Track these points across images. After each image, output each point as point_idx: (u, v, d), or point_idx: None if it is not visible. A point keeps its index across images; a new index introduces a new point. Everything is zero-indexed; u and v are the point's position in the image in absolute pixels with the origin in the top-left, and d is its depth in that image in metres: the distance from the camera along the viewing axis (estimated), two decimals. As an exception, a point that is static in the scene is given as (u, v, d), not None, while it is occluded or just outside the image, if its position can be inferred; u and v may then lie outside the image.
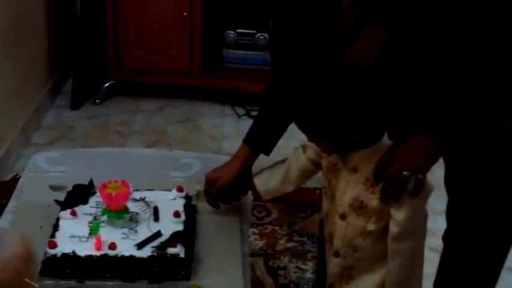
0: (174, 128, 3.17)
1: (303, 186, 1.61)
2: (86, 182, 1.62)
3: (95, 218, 1.49)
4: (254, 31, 3.29)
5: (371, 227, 1.38)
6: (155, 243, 1.40)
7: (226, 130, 3.16)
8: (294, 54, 1.53)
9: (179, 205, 1.54)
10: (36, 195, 1.66)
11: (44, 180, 1.72)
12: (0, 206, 1.83)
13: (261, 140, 1.60)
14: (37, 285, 0.77)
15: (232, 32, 3.30)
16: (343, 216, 1.41)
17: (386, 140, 1.38)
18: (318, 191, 1.95)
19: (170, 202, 1.55)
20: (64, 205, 1.54)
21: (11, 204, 1.65)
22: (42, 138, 3.03)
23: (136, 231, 1.45)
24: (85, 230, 1.45)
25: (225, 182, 1.58)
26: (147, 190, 1.59)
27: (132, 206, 1.51)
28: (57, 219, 1.49)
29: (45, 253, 1.37)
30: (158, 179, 1.72)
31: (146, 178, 1.68)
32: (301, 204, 2.54)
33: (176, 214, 1.49)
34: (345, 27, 1.37)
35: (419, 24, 1.28)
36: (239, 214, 1.65)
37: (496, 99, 1.30)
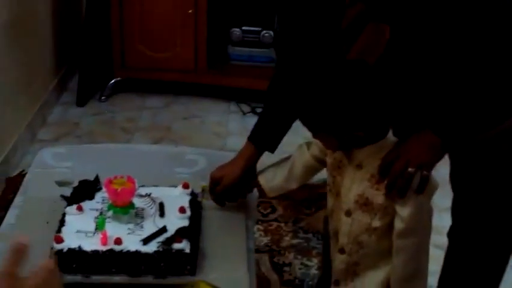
0: (179, 125, 3.18)
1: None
2: (92, 178, 1.63)
3: (101, 213, 1.50)
4: (259, 28, 3.29)
5: (376, 223, 1.38)
6: (161, 238, 1.41)
7: (231, 127, 3.16)
8: (298, 51, 1.54)
9: (185, 201, 1.54)
10: (42, 191, 1.67)
11: (50, 176, 1.72)
12: (6, 201, 1.84)
13: (265, 138, 1.60)
14: None
15: (238, 29, 3.30)
16: (348, 213, 1.41)
17: (391, 136, 1.38)
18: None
19: (175, 198, 1.55)
20: (70, 200, 1.54)
21: (18, 200, 1.66)
22: (48, 135, 3.04)
23: (141, 227, 1.45)
24: (91, 225, 1.45)
25: (230, 180, 1.58)
26: (153, 186, 1.60)
27: (138, 202, 1.51)
28: (64, 215, 1.49)
29: (52, 248, 1.38)
30: (164, 175, 1.72)
31: (152, 174, 1.69)
32: (306, 201, 2.54)
33: (182, 210, 1.50)
34: (347, 24, 1.37)
35: (423, 19, 1.28)
36: (244, 210, 1.65)
37: (501, 95, 1.30)
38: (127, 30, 3.26)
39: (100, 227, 1.43)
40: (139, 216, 1.49)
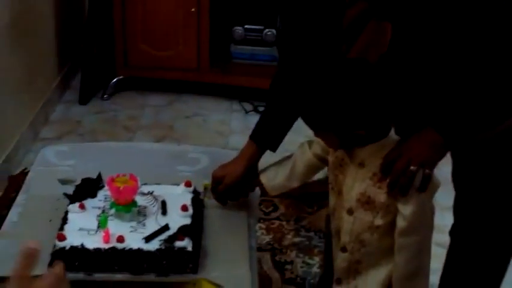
0: (182, 124, 3.18)
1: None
2: (94, 176, 1.63)
3: (103, 211, 1.50)
4: (262, 27, 3.29)
5: (379, 221, 1.38)
6: (163, 236, 1.41)
7: (234, 126, 3.16)
8: (300, 50, 1.54)
9: (187, 199, 1.54)
10: (45, 189, 1.67)
11: (52, 174, 1.73)
12: (9, 199, 1.84)
13: (267, 137, 1.61)
14: None
15: (240, 27, 3.30)
16: (350, 211, 1.41)
17: (393, 135, 1.38)
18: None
19: (178, 196, 1.55)
20: (73, 198, 1.54)
21: (20, 198, 1.66)
22: (51, 133, 3.04)
23: (144, 225, 1.45)
24: (93, 223, 1.45)
25: (232, 179, 1.59)
26: (155, 184, 1.60)
27: (140, 200, 1.51)
28: (66, 213, 1.49)
29: (54, 246, 1.38)
30: (166, 173, 1.72)
31: (154, 172, 1.69)
32: (307, 196, 2.54)
33: (184, 208, 1.50)
34: (348, 23, 1.37)
35: (426, 17, 1.28)
36: (246, 208, 1.65)
37: (504, 93, 1.30)
38: (129, 28, 3.26)
39: (102, 225, 1.43)
40: (141, 214, 1.49)
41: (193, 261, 1.39)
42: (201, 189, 1.64)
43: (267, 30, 3.28)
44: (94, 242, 1.39)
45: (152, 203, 1.52)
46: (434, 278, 1.66)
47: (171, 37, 3.27)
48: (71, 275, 1.35)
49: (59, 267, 0.82)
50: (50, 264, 1.36)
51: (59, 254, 1.37)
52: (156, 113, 3.28)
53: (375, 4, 1.33)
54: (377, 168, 1.36)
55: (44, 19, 3.13)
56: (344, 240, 1.45)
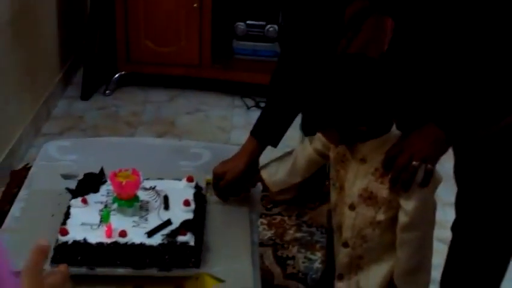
0: (183, 119, 3.18)
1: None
2: (97, 171, 1.63)
3: (105, 206, 1.50)
4: (264, 23, 3.29)
5: (381, 217, 1.38)
6: (166, 231, 1.41)
7: (236, 121, 3.16)
8: (302, 45, 1.54)
9: (189, 194, 1.55)
10: (47, 184, 1.67)
11: (55, 169, 1.73)
12: (11, 194, 1.84)
13: (268, 132, 1.61)
14: None
15: (242, 23, 3.30)
16: (352, 207, 1.41)
17: (394, 130, 1.38)
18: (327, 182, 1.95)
19: (180, 191, 1.56)
20: (75, 193, 1.55)
21: (23, 193, 1.67)
22: (53, 129, 3.05)
23: (146, 220, 1.46)
24: (95, 218, 1.46)
25: (233, 175, 1.59)
26: (157, 179, 1.60)
27: (142, 195, 1.52)
28: (69, 207, 1.50)
29: (57, 240, 1.38)
30: (168, 168, 1.72)
31: (156, 167, 1.69)
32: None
33: (186, 203, 1.50)
34: (348, 19, 1.37)
35: (428, 12, 1.28)
36: (248, 203, 1.66)
37: (506, 89, 1.30)
38: (131, 24, 3.26)
39: (104, 219, 1.43)
40: (143, 209, 1.49)
41: (195, 255, 1.40)
42: (203, 184, 1.64)
43: (269, 26, 3.28)
44: (97, 236, 1.39)
45: (155, 198, 1.53)
46: (436, 273, 1.66)
47: (173, 33, 3.27)
48: (74, 269, 1.36)
49: (64, 267, 0.87)
50: (53, 259, 1.36)
51: (61, 249, 1.37)
52: (158, 108, 3.28)
53: (376, 1, 1.33)
54: (378, 164, 1.36)
55: (46, 14, 3.13)
56: (345, 236, 1.45)
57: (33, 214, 1.57)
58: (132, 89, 3.43)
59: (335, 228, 1.51)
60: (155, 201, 1.52)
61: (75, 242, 1.38)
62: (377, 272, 1.44)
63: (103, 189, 1.57)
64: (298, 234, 2.38)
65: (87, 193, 1.54)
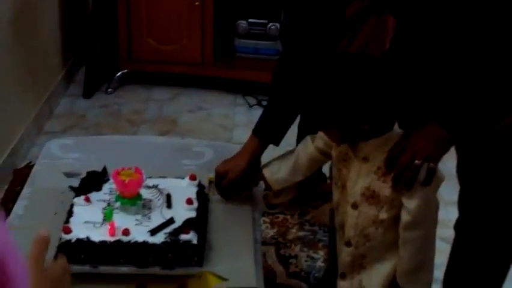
0: (185, 117, 3.18)
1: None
2: (99, 169, 1.63)
3: (108, 204, 1.50)
4: (266, 21, 3.28)
5: (383, 216, 1.38)
6: (169, 229, 1.41)
7: (238, 120, 3.16)
8: (303, 44, 1.54)
9: (192, 192, 1.55)
10: (50, 182, 1.68)
11: (58, 167, 1.73)
12: (14, 192, 1.85)
13: (269, 131, 1.61)
14: None
15: (244, 21, 3.30)
16: (355, 206, 1.41)
17: (396, 129, 1.38)
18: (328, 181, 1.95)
19: (183, 189, 1.56)
20: (78, 191, 1.55)
21: (26, 191, 1.67)
22: (55, 127, 3.05)
23: (149, 218, 1.46)
24: (98, 216, 1.46)
25: (235, 174, 1.59)
26: (160, 177, 1.60)
27: (145, 193, 1.52)
28: (72, 206, 1.50)
29: (60, 238, 1.39)
30: (171, 166, 1.72)
31: (159, 166, 1.69)
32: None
33: (189, 201, 1.50)
34: (349, 18, 1.37)
35: (429, 11, 1.27)
36: (251, 202, 1.66)
37: (508, 87, 1.30)
38: (133, 22, 3.26)
39: (107, 218, 1.43)
40: (146, 207, 1.49)
41: (198, 254, 1.40)
42: (205, 182, 1.64)
43: (270, 24, 3.28)
44: (100, 234, 1.39)
45: (157, 196, 1.53)
46: (439, 273, 1.66)
47: (175, 31, 3.27)
48: (77, 268, 1.36)
49: (63, 259, 0.87)
50: (56, 257, 1.36)
51: (65, 247, 1.37)
52: (160, 107, 3.28)
53: (376, 1, 1.33)
54: (381, 163, 1.36)
55: (48, 13, 3.13)
56: (348, 235, 1.45)
57: (36, 212, 1.57)
58: (134, 87, 3.43)
59: (338, 227, 1.51)
60: (158, 200, 1.52)
61: (78, 240, 1.38)
62: (380, 271, 1.44)
63: (106, 187, 1.57)
64: (301, 233, 2.38)
65: (90, 191, 1.54)
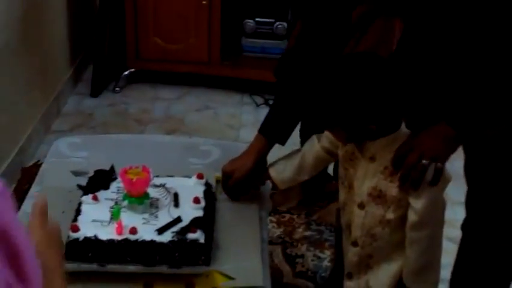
0: (193, 117, 3.19)
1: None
2: (107, 168, 1.64)
3: (116, 203, 1.51)
4: (273, 20, 3.28)
5: (390, 215, 1.38)
6: (176, 228, 1.42)
7: (245, 119, 3.16)
8: (311, 43, 1.54)
9: (199, 191, 1.55)
10: (58, 181, 1.68)
11: (65, 166, 1.74)
12: (22, 191, 1.85)
13: (276, 130, 1.61)
14: None
15: (251, 20, 3.30)
16: (361, 206, 1.41)
17: (403, 128, 1.38)
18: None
19: (190, 188, 1.56)
20: (86, 190, 1.56)
21: (34, 190, 1.68)
22: (63, 126, 3.06)
23: (156, 217, 1.46)
24: (106, 215, 1.46)
25: (242, 174, 1.59)
26: (167, 176, 1.61)
27: (152, 192, 1.52)
28: (79, 204, 1.50)
29: (68, 237, 1.39)
30: (178, 165, 1.73)
31: (166, 164, 1.69)
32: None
33: (196, 200, 1.50)
34: (355, 20, 1.37)
35: (437, 11, 1.27)
36: (258, 201, 1.66)
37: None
38: (141, 21, 3.27)
39: (115, 216, 1.44)
40: (153, 206, 1.50)
41: (205, 253, 1.40)
42: (212, 181, 1.65)
43: (278, 23, 3.28)
44: (107, 233, 1.40)
45: (165, 195, 1.53)
46: (446, 273, 1.66)
47: (182, 30, 3.27)
48: (85, 266, 1.37)
49: (55, 222, 0.86)
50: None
51: (72, 245, 1.38)
52: (167, 106, 3.28)
53: (381, 5, 1.33)
54: (388, 162, 1.36)
55: (55, 12, 3.14)
56: (355, 235, 1.45)
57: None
58: (141, 86, 3.43)
59: (344, 227, 1.51)
60: (165, 199, 1.52)
61: (86, 239, 1.39)
62: (386, 271, 1.44)
63: (113, 186, 1.57)
64: (307, 233, 2.38)
65: (98, 190, 1.54)
